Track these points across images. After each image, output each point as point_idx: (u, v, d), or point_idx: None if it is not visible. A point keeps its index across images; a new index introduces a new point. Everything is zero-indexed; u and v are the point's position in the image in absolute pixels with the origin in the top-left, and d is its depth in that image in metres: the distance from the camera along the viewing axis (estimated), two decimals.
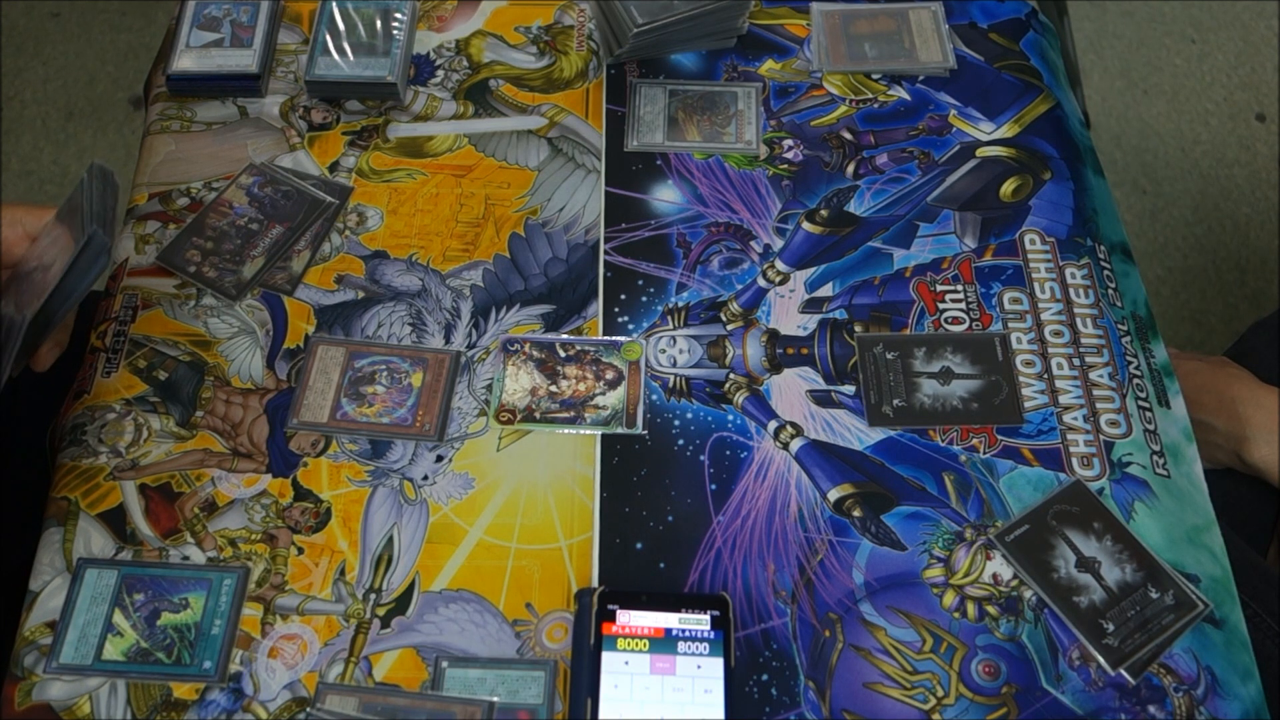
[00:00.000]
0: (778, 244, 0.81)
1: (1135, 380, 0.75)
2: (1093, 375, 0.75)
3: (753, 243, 0.81)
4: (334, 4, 0.90)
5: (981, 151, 0.86)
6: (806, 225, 0.82)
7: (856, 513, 0.70)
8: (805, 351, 0.77)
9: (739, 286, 0.79)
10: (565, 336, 0.77)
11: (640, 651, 0.63)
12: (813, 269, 0.80)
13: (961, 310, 0.78)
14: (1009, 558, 0.68)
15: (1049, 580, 0.67)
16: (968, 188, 0.84)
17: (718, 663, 0.63)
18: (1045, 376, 0.75)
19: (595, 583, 0.67)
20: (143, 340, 0.76)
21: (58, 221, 0.68)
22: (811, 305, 0.79)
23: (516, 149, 0.86)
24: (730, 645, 0.63)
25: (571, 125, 0.87)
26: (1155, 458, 0.72)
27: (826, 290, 0.79)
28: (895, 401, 0.74)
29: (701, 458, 0.72)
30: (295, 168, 0.84)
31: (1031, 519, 0.69)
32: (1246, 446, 0.83)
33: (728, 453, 0.72)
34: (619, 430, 0.73)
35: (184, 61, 0.87)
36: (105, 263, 0.64)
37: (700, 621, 0.64)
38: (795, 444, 0.72)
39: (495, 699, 0.63)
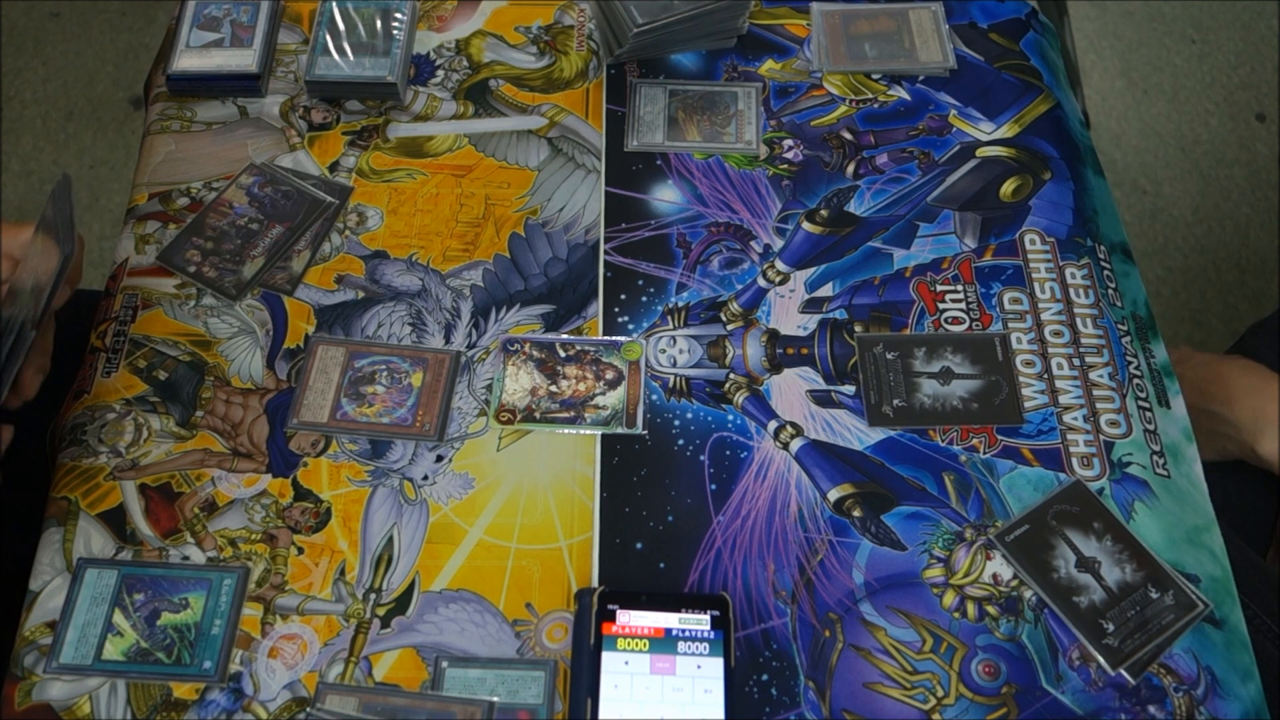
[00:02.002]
0: (778, 244, 0.81)
1: (1135, 380, 0.75)
2: (1093, 375, 0.75)
3: (753, 243, 0.81)
4: (334, 4, 0.90)
5: (981, 151, 0.86)
6: (806, 225, 0.82)
7: (856, 513, 0.70)
8: (805, 351, 0.77)
9: (739, 286, 0.79)
10: (565, 336, 0.77)
11: (640, 651, 0.63)
12: (813, 269, 0.80)
13: (961, 310, 0.78)
14: (1009, 558, 0.68)
15: (1049, 580, 0.67)
16: (968, 188, 0.84)
17: (718, 663, 0.63)
18: (1045, 376, 0.75)
19: (595, 583, 0.67)
20: (143, 340, 0.76)
21: (41, 234, 0.68)
22: (811, 305, 0.79)
23: (516, 149, 0.86)
24: (730, 645, 0.63)
25: (571, 125, 0.87)
26: (1155, 458, 0.72)
27: (826, 290, 0.79)
28: (895, 401, 0.74)
29: (701, 458, 0.72)
30: (295, 168, 0.84)
31: (1031, 519, 0.69)
32: (1261, 439, 0.82)
33: (728, 453, 0.72)
34: (619, 430, 0.73)
35: (184, 61, 0.87)
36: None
37: (700, 621, 0.64)
38: (795, 444, 0.72)
39: (495, 699, 0.63)
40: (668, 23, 0.87)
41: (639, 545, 0.69)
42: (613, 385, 0.74)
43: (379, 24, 0.89)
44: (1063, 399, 0.74)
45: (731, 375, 0.75)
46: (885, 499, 0.70)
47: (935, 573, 0.68)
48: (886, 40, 0.91)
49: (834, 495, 0.70)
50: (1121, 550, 0.68)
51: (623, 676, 0.62)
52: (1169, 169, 1.75)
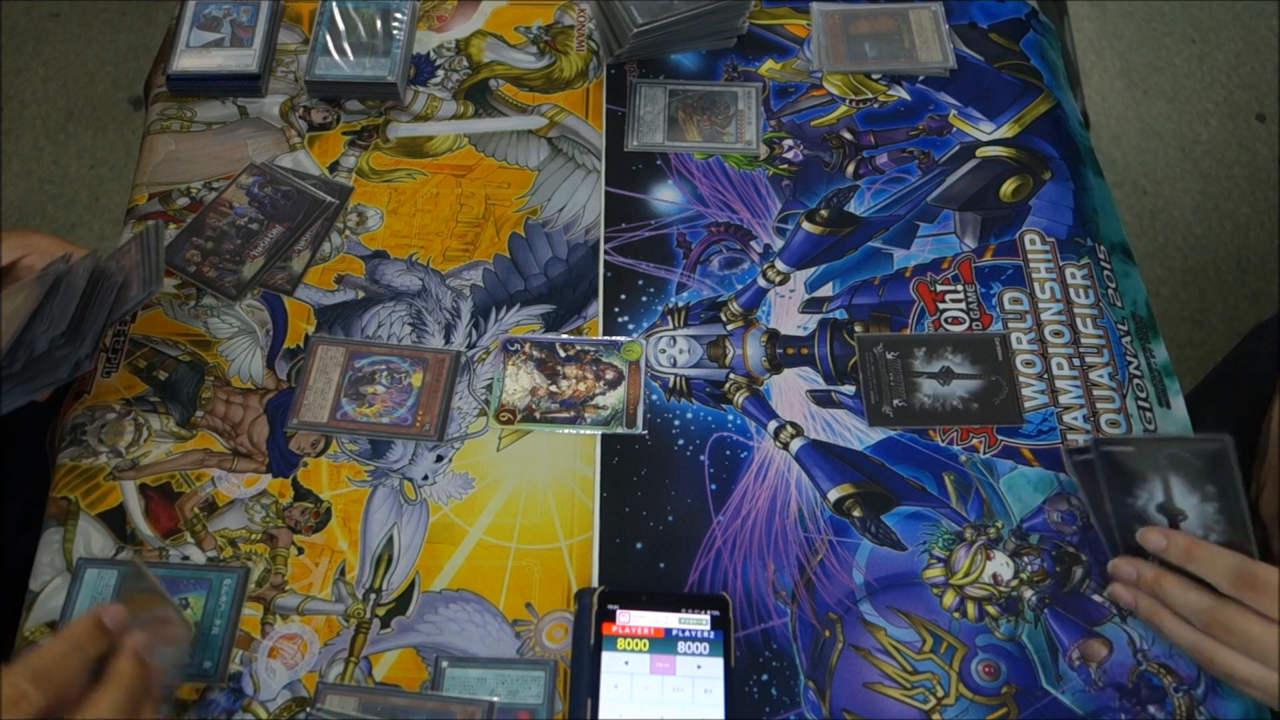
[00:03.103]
0: (778, 244, 0.81)
1: (1135, 380, 0.75)
2: (1093, 375, 0.75)
3: (753, 243, 0.81)
4: (334, 4, 0.90)
5: (981, 151, 0.86)
6: (806, 225, 0.82)
7: (856, 513, 0.70)
8: (805, 351, 0.77)
9: (739, 286, 0.79)
10: (565, 336, 0.77)
11: (640, 651, 0.63)
12: (813, 269, 0.80)
13: (961, 310, 0.78)
14: (1097, 458, 0.64)
15: (1122, 501, 0.64)
16: (968, 188, 0.84)
17: (718, 663, 0.63)
18: (1045, 376, 0.75)
19: (595, 583, 0.67)
20: (143, 340, 0.76)
21: (87, 260, 0.70)
22: (811, 305, 0.79)
23: (516, 149, 0.86)
24: (730, 645, 0.63)
25: (571, 125, 0.87)
26: None
27: (826, 290, 0.79)
28: (895, 401, 0.74)
29: (701, 458, 0.72)
30: (295, 168, 0.84)
31: (1142, 444, 0.65)
32: None
33: (728, 453, 0.72)
34: (619, 430, 0.73)
35: (184, 61, 0.87)
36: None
37: (700, 621, 0.64)
38: (795, 444, 0.72)
39: (495, 699, 0.63)
40: (668, 23, 0.87)
41: (639, 545, 0.69)
42: (613, 385, 0.74)
43: (379, 24, 0.89)
44: (1063, 399, 0.74)
45: (731, 375, 0.75)
46: (885, 499, 0.70)
47: (935, 573, 0.68)
48: (886, 40, 0.91)
49: (834, 495, 0.70)
50: (1220, 524, 0.62)
51: (623, 676, 0.62)
52: (1169, 169, 1.75)
